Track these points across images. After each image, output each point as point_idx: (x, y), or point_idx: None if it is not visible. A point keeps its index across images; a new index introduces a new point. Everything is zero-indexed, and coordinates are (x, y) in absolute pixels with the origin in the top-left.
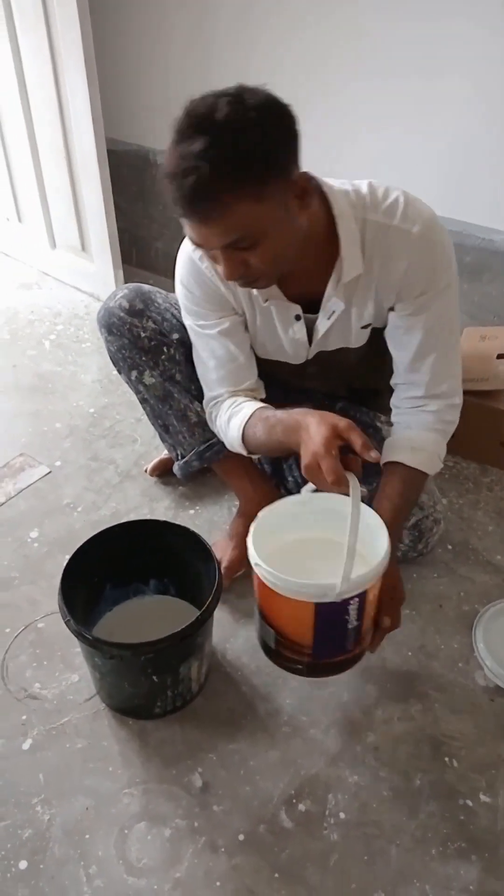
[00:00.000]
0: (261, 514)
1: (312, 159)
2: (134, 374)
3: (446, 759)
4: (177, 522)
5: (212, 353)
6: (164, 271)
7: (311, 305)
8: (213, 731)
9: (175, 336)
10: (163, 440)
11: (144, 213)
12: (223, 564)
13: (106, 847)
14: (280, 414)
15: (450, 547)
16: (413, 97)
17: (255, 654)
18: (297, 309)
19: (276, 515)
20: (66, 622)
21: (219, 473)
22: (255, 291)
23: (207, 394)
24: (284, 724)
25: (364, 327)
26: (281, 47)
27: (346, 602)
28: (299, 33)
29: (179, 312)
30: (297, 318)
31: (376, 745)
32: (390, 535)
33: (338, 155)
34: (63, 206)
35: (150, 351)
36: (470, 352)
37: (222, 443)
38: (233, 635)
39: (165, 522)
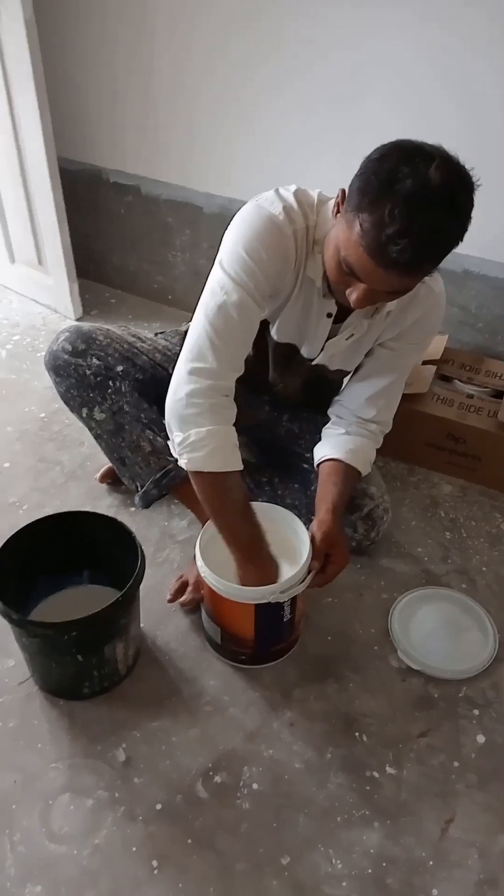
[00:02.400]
0: (207, 524)
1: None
2: (84, 411)
3: (357, 734)
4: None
5: (242, 329)
6: (120, 284)
7: (340, 316)
8: (139, 711)
9: (119, 368)
10: (121, 475)
11: (99, 229)
12: (190, 582)
13: (30, 817)
14: (253, 522)
15: None
16: (346, 105)
17: (183, 640)
18: (333, 307)
19: None
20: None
21: (178, 499)
22: (313, 277)
23: (207, 374)
24: (206, 703)
25: (366, 354)
26: (231, 66)
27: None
28: (251, 55)
29: (121, 346)
30: (329, 315)
31: (292, 722)
32: (335, 516)
33: (300, 161)
34: (20, 222)
35: (96, 387)
36: None
37: (178, 468)
38: (163, 623)
39: (91, 513)
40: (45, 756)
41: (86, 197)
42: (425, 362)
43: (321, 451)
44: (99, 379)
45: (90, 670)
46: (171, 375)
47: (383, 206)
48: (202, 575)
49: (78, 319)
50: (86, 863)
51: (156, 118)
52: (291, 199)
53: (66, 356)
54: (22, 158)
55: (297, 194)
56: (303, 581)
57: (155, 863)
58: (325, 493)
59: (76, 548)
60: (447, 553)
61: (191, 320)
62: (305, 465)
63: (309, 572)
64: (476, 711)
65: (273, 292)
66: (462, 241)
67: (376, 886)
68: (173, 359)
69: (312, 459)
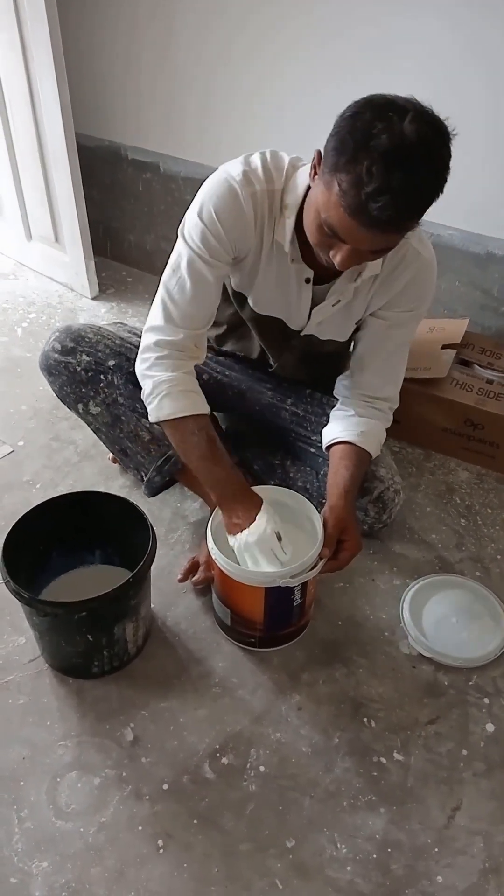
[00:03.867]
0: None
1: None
2: (80, 406)
3: (365, 719)
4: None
5: (193, 291)
6: (137, 263)
7: (319, 279)
8: (147, 691)
9: (111, 362)
10: (126, 467)
11: (116, 206)
12: (202, 562)
13: (38, 793)
14: (227, 462)
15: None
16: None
17: (192, 621)
18: (309, 272)
19: None
20: (4, 582)
21: (184, 484)
22: (282, 242)
23: (155, 330)
24: (215, 685)
25: (356, 323)
26: (250, 43)
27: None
28: (269, 31)
29: (112, 342)
30: (307, 280)
31: (300, 706)
32: (347, 501)
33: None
34: (37, 199)
35: (88, 382)
36: (417, 342)
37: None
38: (174, 604)
39: (104, 493)
40: (54, 733)
41: (104, 174)
42: (444, 346)
43: (330, 434)
44: (90, 374)
45: (100, 650)
46: None
47: (360, 164)
48: (213, 557)
49: (94, 298)
50: (92, 839)
51: (176, 95)
52: (256, 163)
53: (56, 356)
54: (40, 134)
55: (266, 158)
56: (314, 567)
57: (160, 841)
58: (337, 478)
59: (89, 528)
60: (462, 540)
61: None
62: (313, 450)
63: (321, 559)
64: (486, 700)
65: (234, 254)
66: (442, 192)
67: (380, 871)
68: None
69: (320, 443)
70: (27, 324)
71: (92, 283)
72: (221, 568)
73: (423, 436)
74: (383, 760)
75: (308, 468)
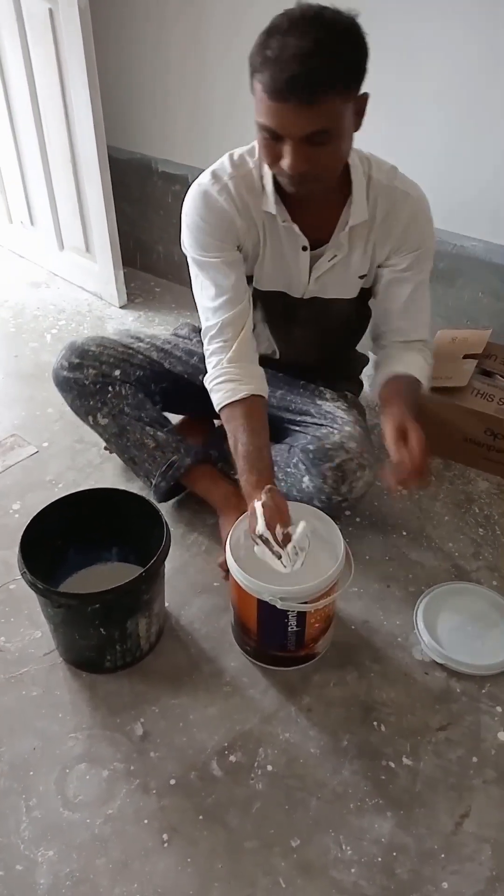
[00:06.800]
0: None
1: None
2: (90, 419)
3: (375, 723)
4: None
5: (213, 281)
6: (165, 273)
7: (315, 244)
8: (159, 687)
9: (116, 372)
10: (137, 475)
11: (146, 218)
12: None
13: (47, 783)
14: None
15: (405, 533)
16: (386, 103)
17: (206, 620)
18: (305, 240)
19: None
20: (21, 574)
21: (189, 488)
22: (274, 212)
23: (205, 324)
24: (226, 683)
25: (360, 277)
26: None
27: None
28: None
29: (115, 350)
30: (304, 248)
31: (310, 707)
32: (400, 406)
33: None
34: (70, 209)
35: (96, 393)
36: (440, 352)
37: (181, 459)
38: (188, 603)
39: (122, 491)
40: (65, 725)
41: (134, 186)
42: (466, 356)
43: (378, 380)
44: (98, 386)
45: (112, 644)
46: (167, 369)
47: (262, 55)
48: (227, 547)
49: (122, 307)
50: (98, 831)
51: (206, 109)
52: (224, 161)
53: (64, 373)
54: (73, 147)
55: (235, 152)
56: (307, 602)
57: (165, 835)
58: (389, 394)
59: (106, 525)
60: (479, 549)
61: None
62: (294, 427)
63: (321, 598)
64: (499, 708)
65: (232, 238)
66: (357, 59)
67: (385, 875)
68: (172, 352)
69: (299, 419)
70: (56, 330)
71: (121, 293)
72: (227, 559)
73: (443, 445)
74: (392, 764)
75: (284, 446)
